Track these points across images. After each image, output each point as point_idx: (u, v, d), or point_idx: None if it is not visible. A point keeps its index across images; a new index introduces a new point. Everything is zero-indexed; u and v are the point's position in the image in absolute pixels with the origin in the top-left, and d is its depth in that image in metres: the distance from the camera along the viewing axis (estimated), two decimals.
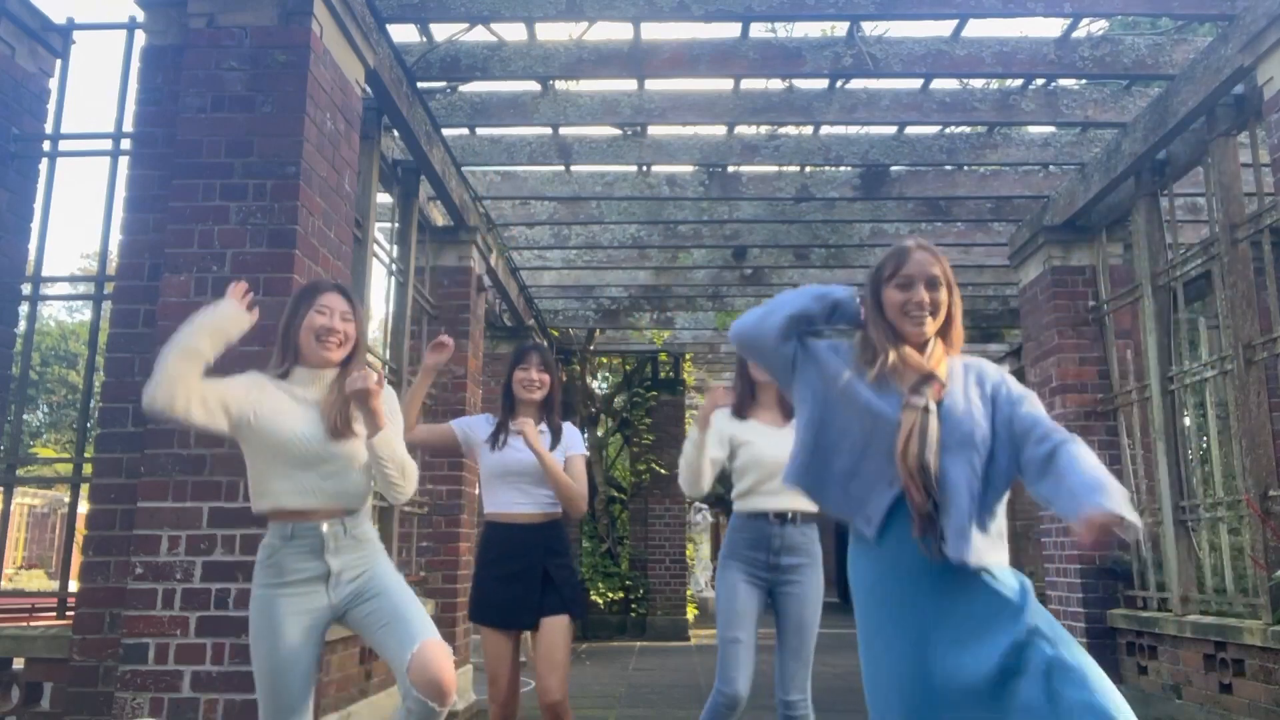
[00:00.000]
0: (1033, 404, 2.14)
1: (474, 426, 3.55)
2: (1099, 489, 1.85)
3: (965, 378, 2.17)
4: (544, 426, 3.48)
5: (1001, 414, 2.11)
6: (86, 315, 28.32)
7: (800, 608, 3.29)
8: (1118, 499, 1.82)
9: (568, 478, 3.40)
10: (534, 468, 3.38)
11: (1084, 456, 1.96)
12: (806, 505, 3.29)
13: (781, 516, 3.29)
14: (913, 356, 2.12)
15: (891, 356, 2.12)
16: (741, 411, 3.42)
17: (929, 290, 2.13)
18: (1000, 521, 2.12)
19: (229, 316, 2.51)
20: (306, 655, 2.51)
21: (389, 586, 2.58)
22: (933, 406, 2.06)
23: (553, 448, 3.44)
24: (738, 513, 3.39)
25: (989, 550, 2.05)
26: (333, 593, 2.54)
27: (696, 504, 16.04)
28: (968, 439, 2.06)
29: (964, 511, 2.01)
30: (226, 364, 2.60)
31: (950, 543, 2.00)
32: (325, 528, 2.53)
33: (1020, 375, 8.92)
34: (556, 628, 3.33)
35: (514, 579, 3.34)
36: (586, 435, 11.67)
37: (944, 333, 2.18)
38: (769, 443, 3.31)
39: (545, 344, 3.59)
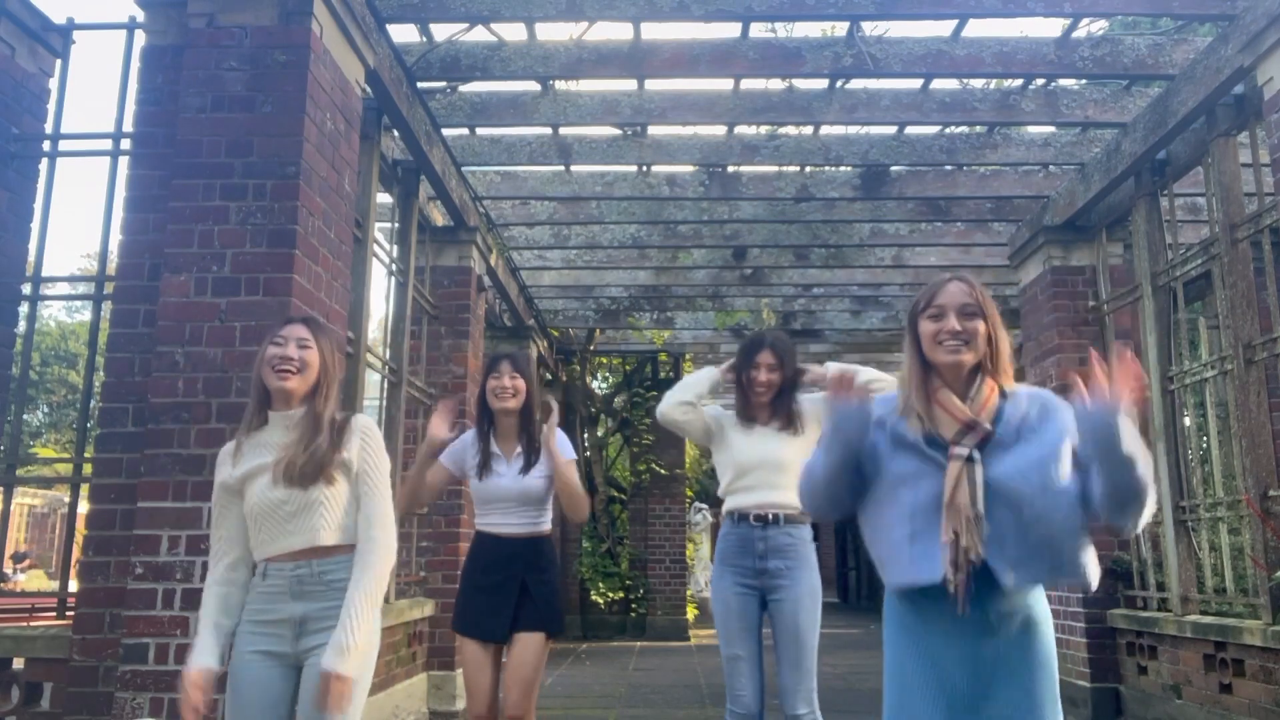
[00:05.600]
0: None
1: (461, 452, 3.47)
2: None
3: (1026, 413, 2.06)
4: (519, 448, 3.38)
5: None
6: (86, 315, 28.33)
7: (794, 613, 3.19)
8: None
9: (576, 487, 3.36)
10: (517, 493, 3.35)
11: None
12: (786, 502, 3.22)
13: (762, 519, 3.24)
14: (952, 403, 2.04)
15: (924, 393, 2.06)
16: (744, 413, 3.40)
17: (962, 319, 2.06)
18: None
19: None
20: (271, 699, 2.39)
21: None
22: (976, 455, 1.99)
23: (531, 464, 3.36)
24: (724, 516, 3.37)
25: (1033, 603, 2.02)
26: (298, 641, 2.40)
27: (696, 504, 16.03)
28: (1012, 493, 1.97)
29: (1007, 563, 1.96)
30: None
31: (1003, 592, 1.97)
32: (289, 569, 2.41)
33: (1020, 375, 8.92)
34: (528, 644, 3.28)
35: (493, 590, 3.31)
36: (586, 435, 11.68)
37: (990, 365, 2.09)
38: (749, 443, 3.31)
39: (526, 351, 3.52)
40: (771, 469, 3.28)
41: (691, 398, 3.42)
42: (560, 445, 3.40)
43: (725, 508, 3.36)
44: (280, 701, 2.41)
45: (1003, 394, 2.09)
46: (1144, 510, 1.94)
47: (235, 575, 2.49)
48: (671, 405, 3.44)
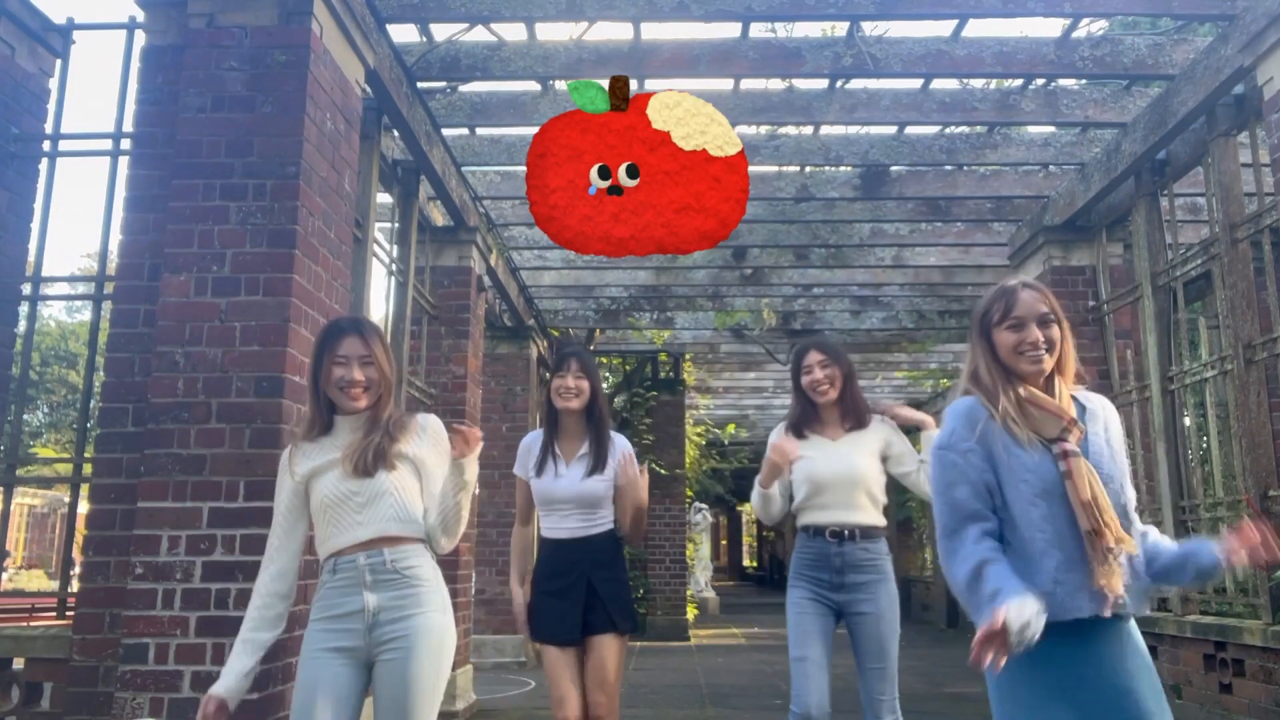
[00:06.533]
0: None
1: (529, 458, 3.46)
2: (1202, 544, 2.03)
3: (1103, 415, 2.12)
4: (585, 449, 3.36)
5: None
6: (86, 315, 28.34)
7: (876, 625, 3.21)
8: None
9: (638, 503, 3.31)
10: (574, 496, 3.32)
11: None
12: (865, 519, 3.26)
13: (838, 535, 3.24)
14: (1047, 401, 2.05)
15: (1012, 397, 2.05)
16: (801, 429, 3.39)
17: (1042, 328, 2.08)
18: None
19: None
20: (336, 697, 2.38)
21: (412, 664, 2.39)
22: (1079, 450, 2.02)
23: (596, 468, 3.32)
24: (799, 529, 3.37)
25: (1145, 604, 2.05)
26: (370, 633, 2.41)
27: (696, 504, 16.03)
28: (1117, 486, 2.02)
29: (1138, 561, 1.99)
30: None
31: (1130, 598, 1.97)
32: (362, 559, 2.43)
33: None
34: (604, 647, 3.27)
35: (561, 595, 3.29)
36: None
37: (1059, 367, 2.12)
38: (825, 458, 3.29)
39: (587, 348, 3.53)
40: (848, 486, 3.27)
41: (770, 497, 3.38)
42: (623, 454, 3.39)
43: (800, 522, 3.36)
44: (349, 699, 2.41)
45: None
46: None
47: (278, 587, 2.49)
48: (769, 516, 3.45)
